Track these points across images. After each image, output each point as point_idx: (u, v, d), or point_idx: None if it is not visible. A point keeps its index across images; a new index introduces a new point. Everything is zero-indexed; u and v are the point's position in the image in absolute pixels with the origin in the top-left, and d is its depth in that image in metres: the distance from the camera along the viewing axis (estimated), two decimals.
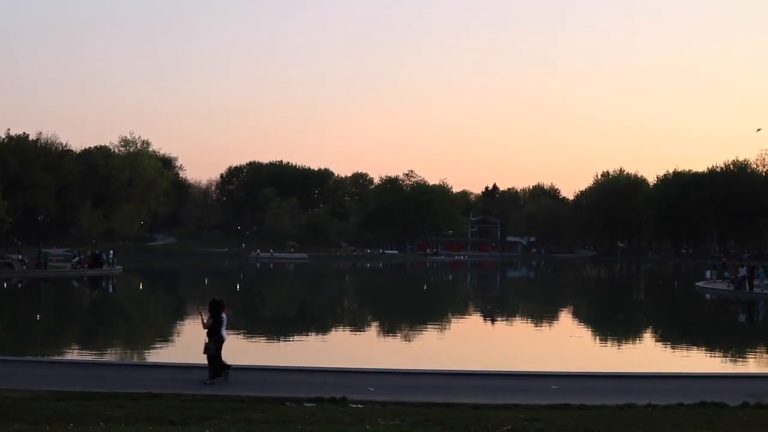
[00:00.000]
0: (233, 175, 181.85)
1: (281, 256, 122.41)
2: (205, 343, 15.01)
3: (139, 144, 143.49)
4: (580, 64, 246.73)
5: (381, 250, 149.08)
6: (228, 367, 15.20)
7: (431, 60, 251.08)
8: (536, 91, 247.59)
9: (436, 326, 33.77)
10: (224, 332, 15.18)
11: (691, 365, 21.84)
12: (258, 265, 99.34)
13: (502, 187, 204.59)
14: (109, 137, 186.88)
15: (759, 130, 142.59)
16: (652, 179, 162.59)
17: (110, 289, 55.68)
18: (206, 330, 15.04)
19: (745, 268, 50.24)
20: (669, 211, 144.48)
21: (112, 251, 74.84)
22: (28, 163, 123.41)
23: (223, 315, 15.24)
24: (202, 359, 15.22)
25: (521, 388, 14.92)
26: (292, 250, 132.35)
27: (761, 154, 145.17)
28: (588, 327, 35.36)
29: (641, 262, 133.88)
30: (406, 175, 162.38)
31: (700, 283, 56.13)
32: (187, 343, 25.65)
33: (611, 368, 19.48)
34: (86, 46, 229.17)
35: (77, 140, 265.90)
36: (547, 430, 10.66)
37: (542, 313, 41.30)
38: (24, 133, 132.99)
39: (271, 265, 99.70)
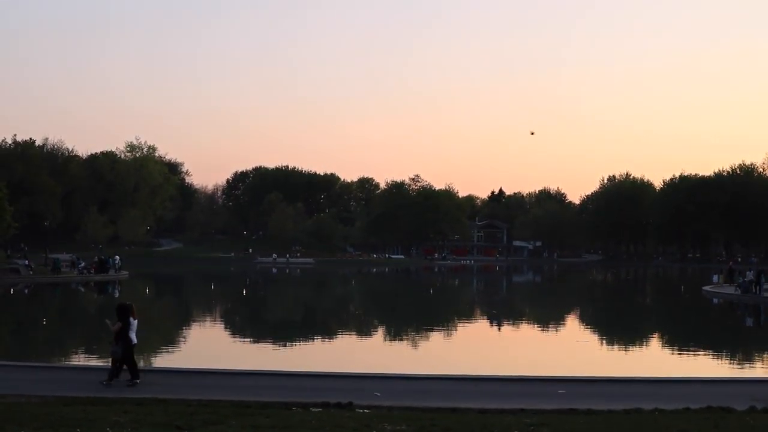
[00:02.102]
0: (239, 180, 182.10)
1: (296, 261, 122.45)
2: (112, 346, 15.17)
3: (145, 149, 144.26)
4: (586, 68, 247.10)
5: (387, 255, 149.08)
6: (137, 372, 15.26)
7: (437, 64, 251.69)
8: (542, 95, 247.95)
9: (442, 331, 33.73)
10: (134, 336, 15.32)
11: (698, 370, 21.81)
12: (275, 271, 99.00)
13: (508, 191, 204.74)
14: (115, 143, 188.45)
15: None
16: (658, 183, 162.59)
17: (116, 295, 55.68)
18: (115, 333, 15.14)
19: (752, 272, 50.06)
20: (675, 215, 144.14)
21: (118, 256, 74.94)
22: (33, 169, 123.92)
23: (132, 319, 15.32)
24: (209, 364, 15.24)
25: (528, 392, 14.88)
26: (299, 255, 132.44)
27: None
28: (595, 331, 35.27)
29: (648, 267, 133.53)
30: (412, 179, 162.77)
31: (707, 288, 56.00)
32: (193, 348, 25.71)
33: (618, 373, 19.47)
34: (92, 51, 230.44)
35: (83, 146, 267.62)
36: None
37: (549, 317, 41.19)
38: (30, 138, 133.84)
39: (287, 270, 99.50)
